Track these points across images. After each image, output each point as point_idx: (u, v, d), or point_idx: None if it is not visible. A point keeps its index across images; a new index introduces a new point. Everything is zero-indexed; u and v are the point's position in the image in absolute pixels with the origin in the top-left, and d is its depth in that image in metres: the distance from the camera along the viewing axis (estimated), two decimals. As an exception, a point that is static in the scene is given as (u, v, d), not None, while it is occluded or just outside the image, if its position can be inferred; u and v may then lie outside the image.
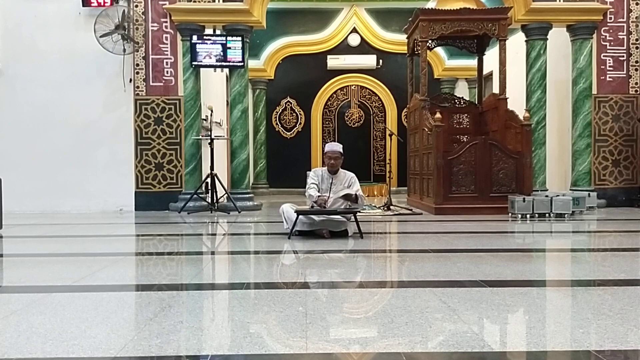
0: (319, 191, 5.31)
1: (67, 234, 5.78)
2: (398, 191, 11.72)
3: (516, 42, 9.32)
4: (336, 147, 5.42)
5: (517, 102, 8.45)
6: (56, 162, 8.21)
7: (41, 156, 8.19)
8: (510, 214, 6.91)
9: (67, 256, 4.30)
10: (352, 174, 5.48)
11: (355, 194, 5.24)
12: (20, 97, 8.20)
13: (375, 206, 8.61)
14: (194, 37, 8.10)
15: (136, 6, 8.19)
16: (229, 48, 8.21)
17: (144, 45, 8.22)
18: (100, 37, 7.80)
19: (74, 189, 8.23)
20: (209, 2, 8.17)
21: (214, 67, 8.42)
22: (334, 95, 13.42)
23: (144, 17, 8.21)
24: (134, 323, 2.42)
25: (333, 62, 13.07)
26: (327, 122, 13.44)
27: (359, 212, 5.25)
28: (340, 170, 5.43)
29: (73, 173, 8.23)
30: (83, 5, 8.06)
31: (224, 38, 8.21)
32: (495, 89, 9.48)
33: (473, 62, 11.43)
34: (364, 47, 13.03)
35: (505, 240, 5.17)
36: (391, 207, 8.13)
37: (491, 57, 9.47)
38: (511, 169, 7.42)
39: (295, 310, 2.54)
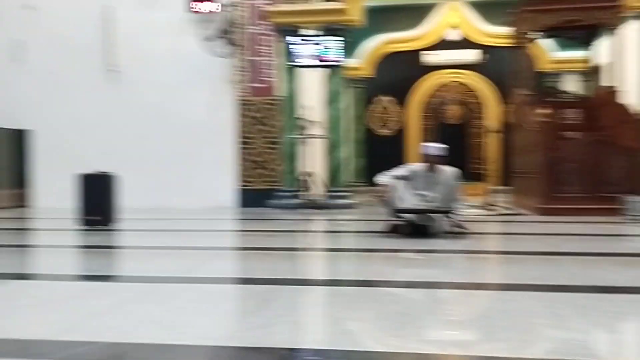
0: (409, 182, 5.00)
1: (175, 229, 6.14)
2: (499, 190, 11.28)
3: (632, 31, 8.64)
4: (434, 149, 5.05)
5: (633, 96, 7.84)
6: (165, 161, 8.74)
7: (152, 155, 8.75)
8: (623, 216, 6.43)
9: (176, 249, 4.58)
10: (454, 171, 5.08)
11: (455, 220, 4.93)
12: (135, 99, 8.81)
13: (475, 206, 8.37)
14: (292, 38, 8.29)
15: (239, 11, 8.52)
16: (326, 48, 8.32)
17: (245, 48, 8.54)
18: (205, 41, 8.20)
19: (181, 186, 8.71)
20: (306, 3, 8.33)
21: (312, 67, 8.57)
22: (432, 92, 13.18)
23: (246, 21, 8.53)
24: (237, 314, 2.53)
25: (431, 58, 12.83)
26: (424, 120, 13.23)
27: (457, 211, 5.12)
28: (441, 167, 5.07)
29: (180, 171, 8.71)
30: (190, 12, 8.52)
31: (321, 38, 8.33)
32: (608, 82, 8.86)
33: (582, 54, 10.74)
34: (464, 42, 12.67)
35: (618, 243, 4.82)
36: (492, 206, 7.86)
37: (602, 48, 8.85)
38: (624, 168, 6.90)
39: (392, 309, 2.54)
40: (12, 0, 8.85)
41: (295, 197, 8.05)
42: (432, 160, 5.04)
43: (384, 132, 13.26)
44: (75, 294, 2.92)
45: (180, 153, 8.73)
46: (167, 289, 3.00)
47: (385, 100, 13.27)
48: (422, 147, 5.15)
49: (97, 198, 5.93)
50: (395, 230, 5.12)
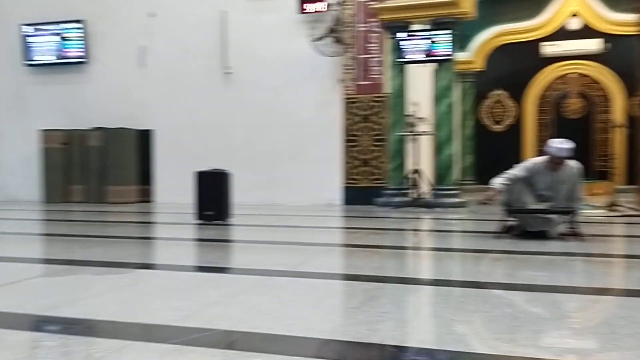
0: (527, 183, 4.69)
1: (283, 224, 6.35)
2: (624, 190, 10.45)
3: None
4: (563, 151, 4.56)
5: None
6: (274, 159, 9.03)
7: (262, 153, 9.08)
8: None
9: (284, 244, 4.74)
10: (577, 167, 4.69)
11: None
12: (247, 99, 9.21)
13: (597, 206, 7.82)
14: (401, 34, 8.23)
15: (347, 9, 8.61)
16: (436, 42, 8.17)
17: (353, 46, 8.61)
18: (314, 41, 8.37)
19: (289, 183, 8.95)
20: (415, -3, 8.23)
21: (421, 62, 8.45)
22: (551, 84, 12.48)
23: (353, 19, 8.60)
24: (342, 309, 2.58)
25: (549, 49, 12.14)
26: (542, 114, 12.56)
27: (578, 212, 4.81)
28: (565, 163, 4.68)
29: (288, 169, 8.96)
30: (299, 13, 8.74)
31: (430, 32, 8.19)
32: None
33: None
34: (586, 31, 11.85)
35: None
36: (616, 207, 7.31)
37: None
38: None
39: (503, 311, 2.46)
40: (138, 8, 9.58)
41: (402, 195, 7.99)
42: (558, 162, 4.64)
43: (497, 127, 12.76)
44: (193, 283, 3.13)
45: (289, 151, 8.98)
46: (277, 281, 3.12)
47: (499, 94, 12.77)
48: (551, 147, 4.62)
49: (212, 194, 6.24)
50: (509, 231, 4.93)
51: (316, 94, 8.86)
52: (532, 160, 4.89)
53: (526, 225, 4.84)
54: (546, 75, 12.41)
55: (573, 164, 4.70)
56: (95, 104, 9.85)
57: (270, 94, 9.04)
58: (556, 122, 12.44)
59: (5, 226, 6.60)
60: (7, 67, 10.25)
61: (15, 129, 10.24)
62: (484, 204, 4.72)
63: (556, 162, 4.62)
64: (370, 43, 8.57)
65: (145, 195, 9.61)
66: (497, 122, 12.77)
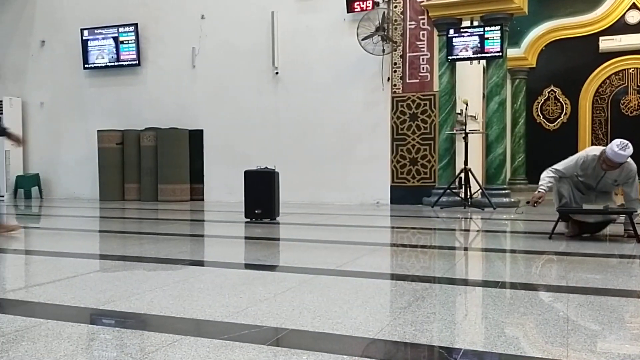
0: (570, 185, 4.53)
1: (331, 223, 6.37)
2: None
3: None
4: (621, 157, 4.23)
5: None
6: (321, 158, 9.06)
7: (309, 152, 9.13)
8: None
9: (331, 243, 4.75)
10: (633, 167, 4.39)
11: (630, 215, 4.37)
12: (293, 99, 9.28)
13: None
14: (451, 31, 8.11)
15: (395, 7, 8.55)
16: (487, 38, 8.01)
17: (401, 44, 8.54)
18: (362, 40, 8.34)
19: (336, 182, 8.97)
20: (465, -7, 8.09)
21: (471, 59, 8.31)
22: (607, 80, 12.03)
23: (402, 17, 8.53)
24: (390, 309, 2.57)
25: (606, 43, 11.71)
26: (597, 112, 12.13)
27: (636, 213, 4.63)
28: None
29: (335, 168, 8.98)
30: (347, 12, 8.73)
31: (481, 29, 8.03)
32: None
33: None
34: (646, 24, 11.37)
35: None
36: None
37: None
38: None
39: (555, 314, 2.39)
40: (189, 11, 9.80)
41: (451, 194, 7.88)
42: (611, 166, 4.35)
43: (550, 126, 12.40)
44: (242, 280, 3.18)
45: (336, 150, 8.98)
46: (324, 280, 3.14)
47: (552, 91, 12.39)
48: (610, 150, 4.28)
49: (261, 193, 6.34)
50: (564, 232, 4.80)
51: (364, 92, 8.84)
52: (583, 156, 4.57)
53: (581, 226, 4.70)
54: (602, 71, 11.97)
55: (630, 164, 4.44)
56: (148, 105, 10.13)
57: (318, 93, 9.07)
58: (613, 120, 11.98)
59: (64, 223, 6.88)
60: (68, 71, 10.67)
61: (75, 129, 10.66)
62: (533, 205, 4.59)
63: (610, 165, 4.35)
64: (419, 41, 8.48)
65: (196, 194, 9.82)
66: (550, 120, 12.41)
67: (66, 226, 6.41)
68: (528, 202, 4.66)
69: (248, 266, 3.77)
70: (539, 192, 4.54)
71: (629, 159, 4.40)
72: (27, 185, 10.66)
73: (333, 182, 8.99)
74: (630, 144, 4.28)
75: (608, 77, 12.01)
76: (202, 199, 9.76)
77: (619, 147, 4.24)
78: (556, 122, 12.37)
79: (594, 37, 11.78)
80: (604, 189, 4.66)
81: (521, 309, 2.52)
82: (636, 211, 4.54)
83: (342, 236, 5.32)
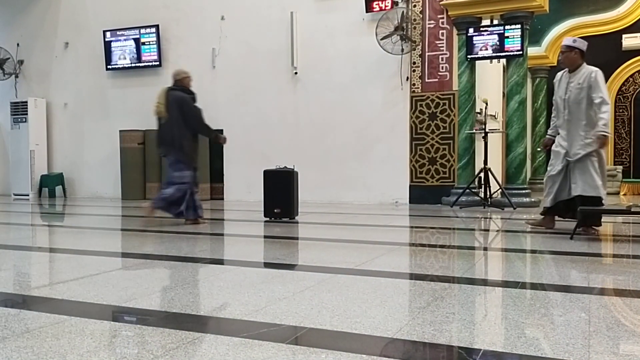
0: (556, 114, 5.11)
1: (349, 223, 6.36)
2: None
3: None
4: (567, 40, 5.06)
5: None
6: (340, 157, 9.06)
7: (328, 151, 9.14)
8: None
9: (350, 242, 4.75)
10: (596, 69, 4.86)
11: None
12: (312, 99, 9.29)
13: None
14: (470, 30, 8.04)
15: (414, 6, 8.50)
16: (507, 37, 7.93)
17: (420, 43, 8.49)
18: (381, 39, 8.32)
19: (355, 182, 8.97)
20: (485, -8, 8.02)
21: (491, 58, 8.23)
22: (630, 79, 11.82)
23: (421, 16, 8.49)
24: (408, 309, 2.56)
25: (630, 41, 11.51)
26: (620, 110, 11.93)
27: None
28: (583, 66, 4.94)
29: (354, 167, 8.97)
30: (366, 12, 8.71)
31: (501, 28, 7.96)
32: None
33: None
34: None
35: None
36: None
37: None
38: None
39: (577, 316, 2.36)
40: (210, 12, 9.86)
41: (471, 194, 7.82)
42: (563, 52, 5.01)
43: (571, 125, 12.23)
44: (261, 279, 3.19)
45: (355, 149, 8.97)
46: (342, 279, 3.13)
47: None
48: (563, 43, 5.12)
49: (280, 192, 6.36)
50: (585, 232, 4.74)
51: (383, 92, 8.81)
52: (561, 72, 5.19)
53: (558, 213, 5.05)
54: (625, 70, 11.77)
55: (590, 67, 4.90)
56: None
57: (337, 93, 9.07)
58: (636, 118, 11.77)
59: (87, 221, 6.98)
60: (91, 72, 10.82)
61: (98, 129, 10.81)
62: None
63: (564, 56, 4.96)
64: (438, 40, 8.43)
65: (217, 193, 9.89)
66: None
67: (89, 224, 6.50)
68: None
69: (267, 265, 3.79)
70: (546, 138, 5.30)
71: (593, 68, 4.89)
72: (52, 184, 10.83)
73: (352, 181, 8.98)
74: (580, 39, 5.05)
75: (631, 75, 11.81)
76: (222, 198, 9.82)
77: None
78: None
79: (617, 35, 11.58)
80: (575, 102, 4.89)
81: (542, 309, 2.50)
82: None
83: (361, 235, 5.31)
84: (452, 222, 6.39)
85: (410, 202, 8.58)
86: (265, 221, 6.28)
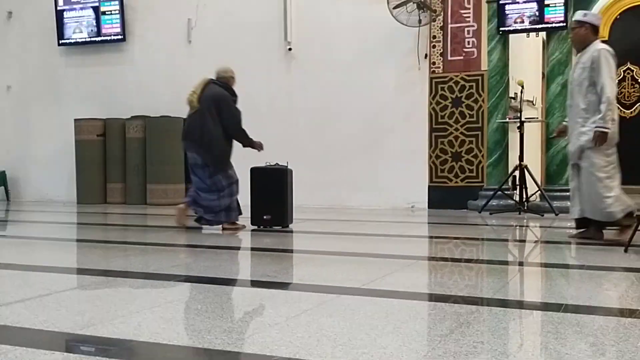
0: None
1: (355, 232, 6.36)
2: None
3: None
4: (576, 15, 5.23)
5: None
6: (344, 152, 9.08)
7: (330, 145, 9.15)
8: None
9: (356, 256, 4.75)
10: (602, 47, 5.06)
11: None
12: (310, 81, 9.29)
13: None
14: (503, -3, 8.07)
15: (434, -32, 8.53)
16: (547, 6, 7.95)
17: (442, 13, 8.50)
18: (394, 8, 8.31)
19: (363, 182, 8.98)
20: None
21: (527, 31, 8.24)
22: None
23: (442, -20, 8.51)
24: (427, 337, 2.56)
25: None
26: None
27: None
28: (594, 44, 5.11)
29: (361, 165, 8.99)
30: (376, -26, 8.72)
31: (540, -6, 7.98)
32: None
33: None
34: None
35: None
36: None
37: None
38: None
39: (633, 345, 2.36)
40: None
41: (504, 197, 7.83)
42: (572, 28, 5.25)
43: (626, 112, 12.24)
44: (248, 301, 3.19)
45: (361, 143, 9.00)
46: (347, 301, 3.13)
47: (629, 70, 12.23)
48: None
49: (270, 195, 6.36)
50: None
51: (396, 72, 8.82)
52: None
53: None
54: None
55: (596, 47, 5.06)
56: (135, 88, 10.23)
57: (340, 74, 9.07)
58: None
59: (35, 230, 6.97)
60: (40, 48, 10.82)
61: (48, 118, 10.80)
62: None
63: (573, 33, 5.22)
64: (464, 9, 8.43)
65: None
66: (627, 106, 12.24)
67: (38, 234, 6.49)
68: None
69: (255, 283, 3.79)
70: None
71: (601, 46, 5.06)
72: (-9, 185, 10.84)
73: (359, 182, 8.99)
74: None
75: None
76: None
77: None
78: (634, 108, 12.19)
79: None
80: (577, 84, 5.11)
81: (590, 338, 2.50)
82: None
83: (370, 248, 5.31)
84: (481, 231, 6.39)
85: (429, 207, 8.59)
86: (253, 230, 6.27)
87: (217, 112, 6.03)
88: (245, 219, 6.51)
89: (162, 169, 9.64)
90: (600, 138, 4.84)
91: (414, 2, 8.29)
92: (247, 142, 6.32)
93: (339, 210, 8.61)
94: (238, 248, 5.41)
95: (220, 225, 6.21)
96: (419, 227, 6.92)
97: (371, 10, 8.76)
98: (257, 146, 6.41)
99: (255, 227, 6.36)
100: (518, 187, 7.71)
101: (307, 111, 9.32)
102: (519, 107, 8.00)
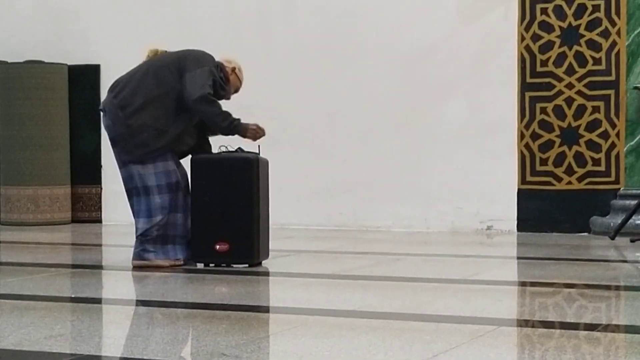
0: None
1: (381, 275, 6.34)
2: None
3: None
4: None
5: None
6: (362, 131, 9.12)
7: (335, 119, 9.17)
8: None
9: (385, 318, 4.68)
10: None
11: None
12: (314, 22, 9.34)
13: None
14: None
15: None
16: None
17: None
18: None
19: (395, 185, 9.07)
20: None
21: None
22: None
23: None
24: None
25: None
26: None
27: None
28: None
29: (393, 152, 9.00)
30: None
31: None
32: None
33: None
34: None
35: None
36: None
37: None
38: None
39: None
40: None
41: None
42: None
43: None
44: None
45: (394, 114, 9.09)
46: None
47: None
48: None
49: (226, 206, 6.40)
50: None
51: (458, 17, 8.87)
52: None
53: None
54: None
55: None
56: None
57: (365, 13, 9.12)
58: None
59: None
60: None
61: None
62: None
63: None
64: None
65: (84, 209, 9.91)
66: None
67: None
68: None
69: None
70: None
71: None
72: None
73: (388, 184, 9.00)
74: None
75: None
76: (98, 219, 9.87)
77: None
78: None
79: None
80: None
81: None
82: None
83: (410, 303, 5.27)
84: (616, 274, 6.39)
85: (519, 229, 8.60)
86: (196, 270, 6.27)
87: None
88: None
89: (30, 158, 9.74)
90: None
91: None
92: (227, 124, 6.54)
93: (353, 233, 8.61)
94: (169, 304, 5.39)
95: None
96: (499, 266, 6.90)
97: None
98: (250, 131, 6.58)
99: (201, 265, 6.35)
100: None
101: (297, 56, 9.34)
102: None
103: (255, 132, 6.65)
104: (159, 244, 6.56)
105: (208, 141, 6.95)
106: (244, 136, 6.62)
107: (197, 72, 6.53)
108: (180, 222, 6.62)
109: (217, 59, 6.81)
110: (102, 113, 6.90)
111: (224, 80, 6.75)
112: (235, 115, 6.53)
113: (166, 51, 6.86)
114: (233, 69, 6.85)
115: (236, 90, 6.97)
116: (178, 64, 6.59)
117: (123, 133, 6.55)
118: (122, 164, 6.66)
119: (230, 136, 6.59)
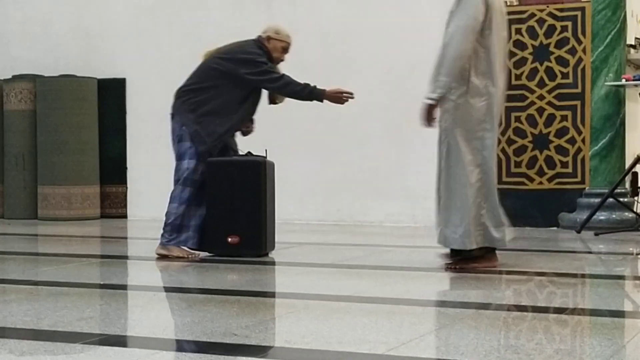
0: None
1: (374, 264, 6.45)
2: None
3: None
4: None
5: None
6: (358, 134, 9.11)
7: (334, 122, 9.14)
8: None
9: (376, 302, 4.73)
10: None
11: None
12: (304, 21, 9.29)
13: None
14: None
15: None
16: None
17: None
18: None
19: (387, 183, 9.06)
20: None
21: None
22: None
23: None
24: None
25: None
26: None
27: None
28: None
29: (385, 154, 9.04)
30: None
31: None
32: None
33: None
34: None
35: None
36: None
37: None
38: None
39: None
40: None
41: (620, 207, 7.81)
42: None
43: None
44: None
45: (387, 119, 9.04)
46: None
47: None
48: None
49: (237, 203, 6.41)
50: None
51: (442, 3, 8.82)
52: None
53: None
54: None
55: None
56: (19, 33, 10.31)
57: (349, 8, 9.08)
58: None
59: None
60: None
61: None
62: None
63: None
64: None
65: (112, 206, 9.92)
66: None
67: None
68: None
69: (213, 347, 3.76)
70: None
71: None
72: None
73: (381, 182, 9.03)
74: None
75: None
76: (124, 215, 9.84)
77: None
78: None
79: None
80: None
81: None
82: None
83: (398, 290, 5.30)
84: (581, 264, 6.38)
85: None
86: (208, 259, 6.27)
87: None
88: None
89: (63, 161, 9.69)
90: None
91: None
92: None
93: (350, 227, 8.60)
94: (184, 289, 5.39)
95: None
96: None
97: None
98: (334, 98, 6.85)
99: (212, 255, 6.36)
100: (640, 190, 7.73)
101: (300, 74, 9.29)
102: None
103: (340, 97, 6.78)
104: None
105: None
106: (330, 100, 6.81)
107: (252, 69, 6.67)
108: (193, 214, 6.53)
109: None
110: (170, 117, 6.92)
111: (267, 54, 6.80)
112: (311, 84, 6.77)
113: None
114: (268, 37, 6.87)
115: (284, 50, 7.00)
116: (231, 65, 6.70)
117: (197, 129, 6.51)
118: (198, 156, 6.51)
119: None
